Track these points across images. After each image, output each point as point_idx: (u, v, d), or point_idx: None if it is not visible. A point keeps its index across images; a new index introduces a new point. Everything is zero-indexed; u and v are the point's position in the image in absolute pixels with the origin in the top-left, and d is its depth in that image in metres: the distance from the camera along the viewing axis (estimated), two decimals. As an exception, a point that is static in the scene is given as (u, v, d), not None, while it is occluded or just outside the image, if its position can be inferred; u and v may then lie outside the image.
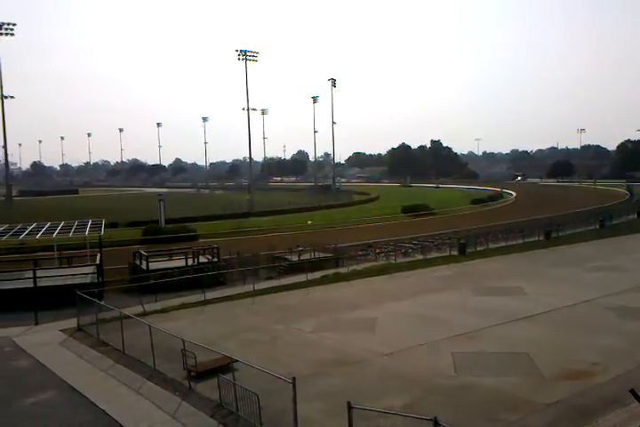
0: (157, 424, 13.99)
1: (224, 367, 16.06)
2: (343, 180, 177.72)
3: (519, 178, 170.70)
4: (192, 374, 16.74)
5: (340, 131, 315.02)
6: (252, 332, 21.80)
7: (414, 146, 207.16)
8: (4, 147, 75.01)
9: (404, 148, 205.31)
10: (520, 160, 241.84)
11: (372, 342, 19.97)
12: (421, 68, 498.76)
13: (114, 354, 19.72)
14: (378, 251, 39.90)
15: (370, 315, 23.67)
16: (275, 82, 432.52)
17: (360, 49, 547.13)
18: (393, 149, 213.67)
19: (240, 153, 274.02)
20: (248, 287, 29.62)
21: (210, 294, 27.90)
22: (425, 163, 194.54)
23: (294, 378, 12.58)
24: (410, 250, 41.06)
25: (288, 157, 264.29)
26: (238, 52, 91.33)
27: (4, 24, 68.75)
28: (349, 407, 11.53)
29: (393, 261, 37.18)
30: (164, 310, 25.60)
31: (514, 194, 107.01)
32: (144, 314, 23.94)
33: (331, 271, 33.77)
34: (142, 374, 17.54)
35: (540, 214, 64.56)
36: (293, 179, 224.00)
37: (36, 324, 24.11)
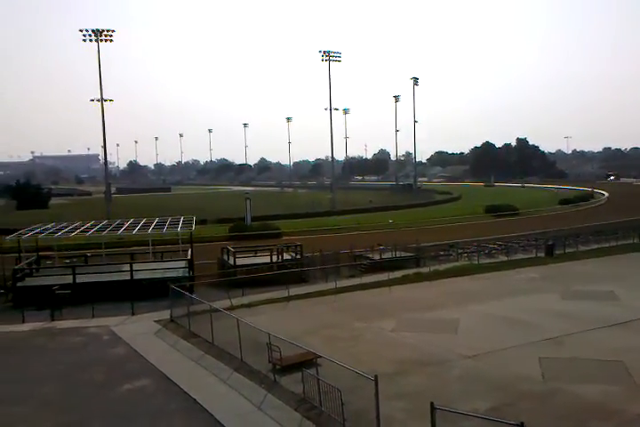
0: (244, 415, 14.37)
1: (308, 362, 16.27)
2: (425, 179, 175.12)
3: (612, 177, 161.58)
4: (277, 367, 17.08)
5: (422, 129, 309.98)
6: (334, 329, 21.94)
7: (498, 144, 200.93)
8: (104, 147, 78.92)
9: (487, 146, 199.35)
10: (613, 159, 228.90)
11: (454, 344, 19.58)
12: (505, 64, 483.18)
13: (203, 345, 20.43)
14: (460, 251, 39.04)
15: (452, 316, 23.21)
16: (357, 81, 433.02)
17: (442, 47, 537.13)
18: (476, 147, 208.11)
19: (322, 152, 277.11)
20: (330, 285, 29.81)
21: (293, 291, 28.31)
22: (509, 162, 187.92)
23: (376, 376, 12.55)
24: (494, 251, 39.91)
25: (369, 156, 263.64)
26: (322, 53, 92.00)
27: (104, 30, 72.51)
28: (432, 408, 11.35)
29: (476, 262, 36.26)
30: (250, 305, 26.23)
31: (606, 194, 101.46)
32: (231, 308, 24.61)
33: (412, 271, 33.40)
34: (230, 366, 18.07)
35: (635, 216, 60.87)
36: (374, 178, 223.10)
37: (133, 314, 25.36)
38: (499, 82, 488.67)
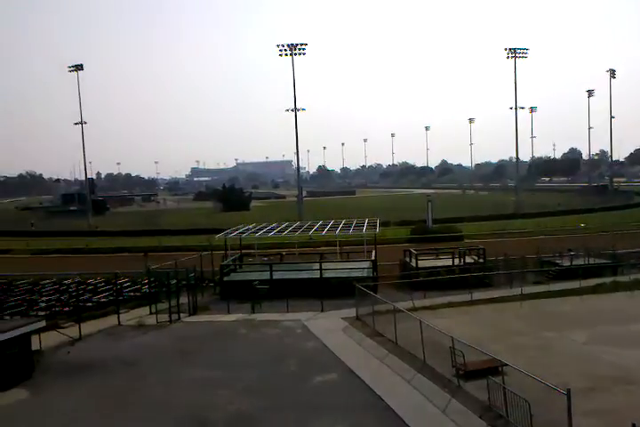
0: (429, 417, 14.28)
1: (493, 370, 15.66)
2: (623, 179, 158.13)
3: None
4: (460, 372, 16.69)
5: (620, 126, 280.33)
6: (520, 336, 20.84)
7: None
8: (297, 154, 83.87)
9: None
10: None
11: (659, 362, 17.45)
12: None
13: (388, 344, 20.68)
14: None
15: (656, 331, 20.71)
16: (544, 78, 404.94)
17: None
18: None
19: (506, 153, 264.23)
20: (515, 291, 28.36)
21: (476, 295, 27.45)
22: None
23: (569, 390, 11.69)
24: None
25: (558, 155, 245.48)
26: (507, 51, 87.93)
27: (298, 44, 77.02)
28: (634, 430, 10.29)
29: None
30: (431, 307, 25.97)
31: None
32: (413, 309, 24.56)
33: (608, 279, 30.42)
34: (413, 367, 18.07)
35: None
36: (563, 179, 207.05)
37: (322, 311, 26.55)
38: None
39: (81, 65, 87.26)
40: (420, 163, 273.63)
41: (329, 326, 23.84)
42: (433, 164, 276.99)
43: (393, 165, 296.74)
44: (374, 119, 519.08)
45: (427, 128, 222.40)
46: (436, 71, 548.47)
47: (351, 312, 25.37)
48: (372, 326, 22.89)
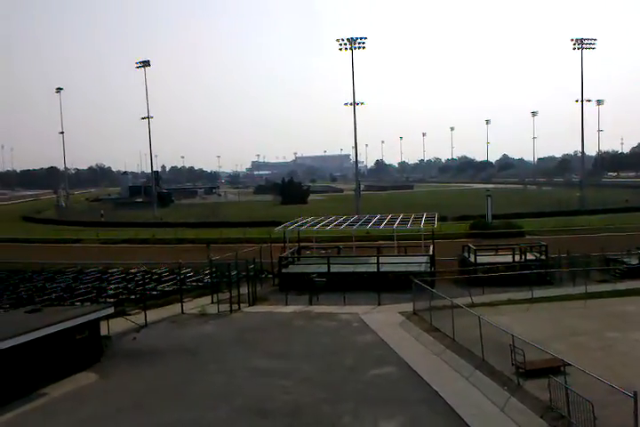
0: (487, 415, 14.00)
1: (554, 369, 15.15)
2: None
3: None
4: (520, 370, 16.28)
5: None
6: (583, 336, 20.11)
7: None
8: (355, 148, 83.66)
9: None
10: None
11: None
12: None
13: (445, 340, 20.39)
14: None
15: None
16: (612, 70, 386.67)
17: None
18: None
19: (571, 147, 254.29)
20: (578, 289, 27.36)
21: (537, 293, 26.65)
22: None
23: (635, 393, 11.20)
24: None
25: (627, 150, 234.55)
26: (574, 41, 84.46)
27: (357, 39, 76.55)
28: None
29: None
30: (490, 304, 25.42)
31: None
32: (472, 305, 24.06)
33: (682, 280, 28.87)
34: (471, 363, 17.76)
35: None
36: (632, 174, 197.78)
37: (379, 304, 26.45)
38: None
39: (148, 61, 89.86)
40: (479, 157, 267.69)
41: (386, 320, 23.73)
42: (493, 158, 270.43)
43: (452, 159, 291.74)
44: (434, 113, 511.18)
45: (487, 122, 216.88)
46: (498, 63, 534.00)
47: (408, 307, 25.15)
48: (430, 322, 22.61)
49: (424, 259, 32.58)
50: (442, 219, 53.67)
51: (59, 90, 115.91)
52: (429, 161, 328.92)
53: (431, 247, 33.46)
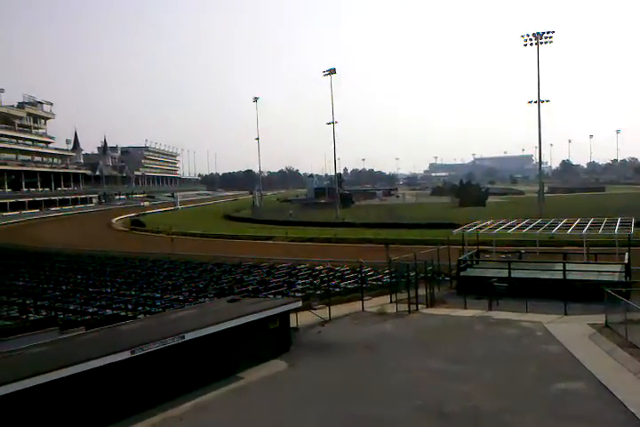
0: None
1: None
2: None
3: None
4: None
5: None
6: None
7: None
8: (539, 148, 78.36)
9: None
10: None
11: None
12: None
13: (643, 358, 18.21)
14: None
15: None
16: None
17: None
18: None
19: None
20: None
21: None
22: None
23: None
24: None
25: None
26: None
27: (544, 33, 71.67)
28: None
29: None
30: (700, 321, 22.05)
31: None
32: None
33: None
34: (676, 387, 15.63)
35: None
36: None
37: (565, 314, 24.44)
38: None
39: (334, 69, 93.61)
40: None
41: (573, 331, 21.84)
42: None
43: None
44: (628, 107, 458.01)
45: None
46: None
47: (599, 318, 22.86)
48: (625, 336, 20.30)
49: (618, 267, 29.37)
50: (638, 224, 48.04)
51: (255, 99, 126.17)
52: (624, 161, 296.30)
53: (626, 255, 30.05)
